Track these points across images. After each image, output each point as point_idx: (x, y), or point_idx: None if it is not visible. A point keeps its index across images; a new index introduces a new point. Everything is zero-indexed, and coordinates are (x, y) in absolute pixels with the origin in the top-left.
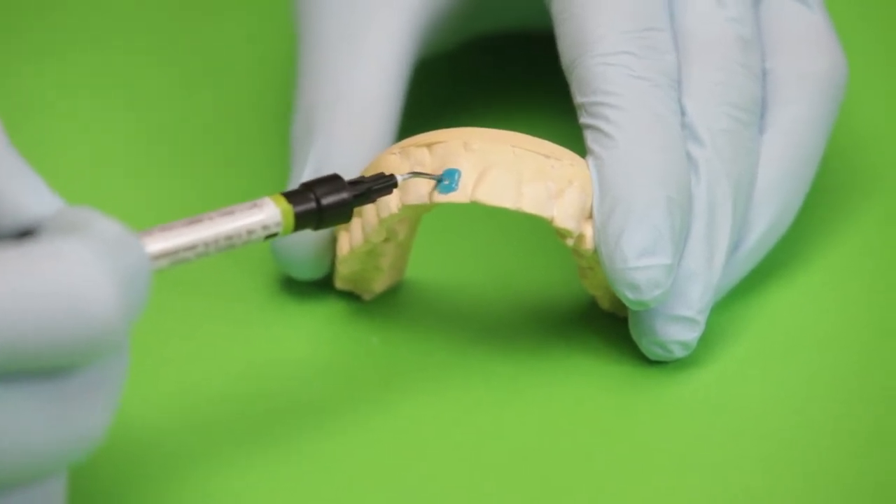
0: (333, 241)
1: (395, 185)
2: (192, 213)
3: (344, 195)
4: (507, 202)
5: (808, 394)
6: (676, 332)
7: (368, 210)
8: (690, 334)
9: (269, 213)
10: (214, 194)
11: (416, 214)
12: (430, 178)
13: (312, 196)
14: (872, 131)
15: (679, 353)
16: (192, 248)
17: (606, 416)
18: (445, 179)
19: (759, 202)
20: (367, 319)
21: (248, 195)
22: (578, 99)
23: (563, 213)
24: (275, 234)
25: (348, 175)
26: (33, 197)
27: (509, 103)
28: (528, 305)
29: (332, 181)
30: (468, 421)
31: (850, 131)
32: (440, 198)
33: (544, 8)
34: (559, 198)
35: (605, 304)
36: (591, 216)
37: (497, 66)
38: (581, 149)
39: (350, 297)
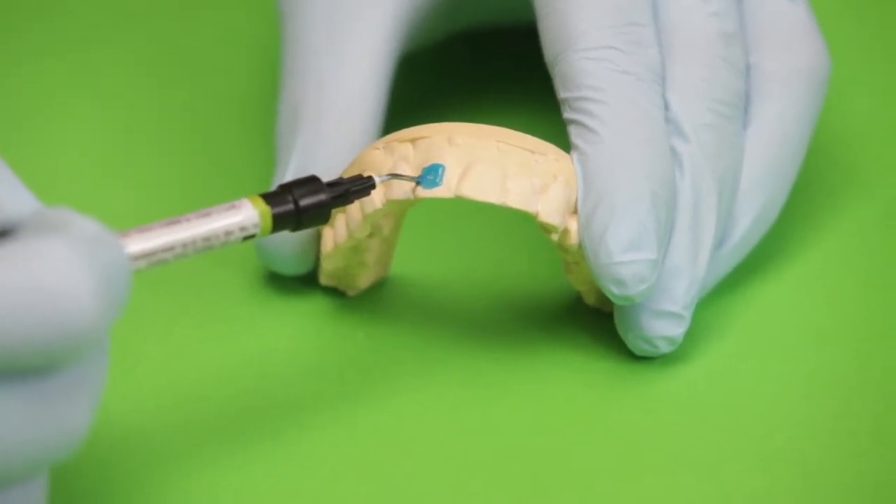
0: (318, 237)
1: (373, 186)
2: (177, 214)
3: (322, 196)
4: (492, 197)
5: (795, 388)
6: (662, 328)
7: (352, 206)
8: (676, 329)
9: (247, 214)
10: (199, 194)
11: (400, 210)
12: (409, 180)
13: (290, 198)
14: (857, 125)
15: (665, 348)
16: (169, 249)
17: (592, 412)
18: (429, 171)
19: (743, 197)
20: (352, 315)
21: (233, 194)
22: (562, 94)
23: (548, 208)
24: (252, 236)
25: (333, 171)
26: (10, 197)
27: (493, 98)
28: (514, 301)
29: (311, 182)
30: (454, 417)
31: (834, 126)
32: (424, 193)
33: (528, 1)
34: (544, 193)
35: (590, 299)
36: (575, 211)
37: (481, 61)
38: (566, 143)
39: (335, 293)
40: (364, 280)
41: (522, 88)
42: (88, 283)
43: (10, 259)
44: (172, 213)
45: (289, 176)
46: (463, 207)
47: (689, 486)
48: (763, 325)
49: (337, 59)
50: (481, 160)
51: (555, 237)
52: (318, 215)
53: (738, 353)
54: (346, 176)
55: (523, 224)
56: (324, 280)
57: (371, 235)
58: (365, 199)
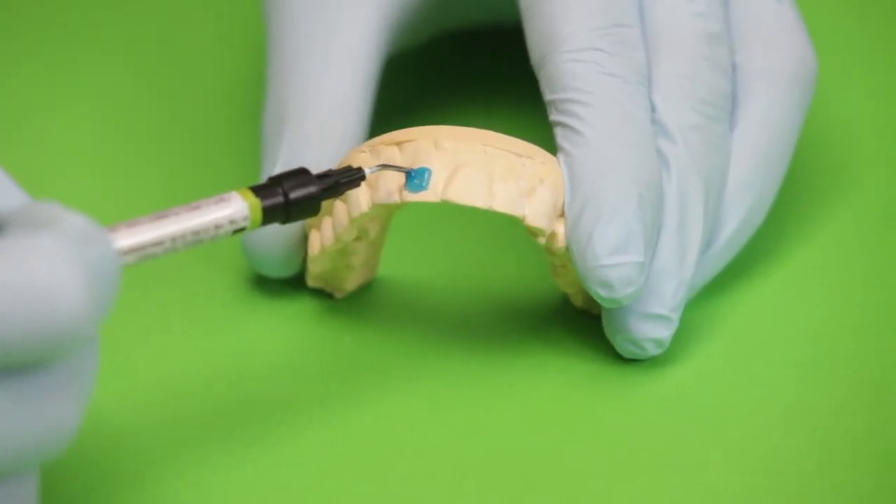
0: (305, 239)
1: (363, 177)
2: (162, 209)
3: (312, 189)
4: (479, 201)
5: (782, 390)
6: (650, 330)
7: (339, 209)
8: (664, 332)
9: (237, 207)
10: (186, 191)
11: (387, 213)
12: (400, 171)
13: (280, 190)
14: (845, 125)
15: (653, 350)
16: (158, 243)
17: (580, 414)
18: (415, 175)
19: (731, 198)
20: (339, 317)
21: (218, 190)
22: (548, 96)
23: (535, 212)
24: (242, 229)
25: None
26: None
27: (480, 100)
28: (501, 303)
29: (300, 175)
30: (441, 419)
31: (821, 125)
32: (411, 197)
33: (513, 2)
34: (530, 196)
35: (578, 301)
36: (562, 214)
37: (467, 62)
38: (553, 146)
39: (322, 295)
40: (351, 282)
41: (509, 90)
42: (76, 279)
43: None
44: (143, 210)
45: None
46: (450, 210)
47: (677, 487)
48: (751, 326)
49: (322, 60)
50: (467, 164)
51: (542, 241)
52: (308, 207)
53: (726, 355)
54: None
55: (510, 226)
56: (311, 282)
57: (358, 238)
58: (351, 203)
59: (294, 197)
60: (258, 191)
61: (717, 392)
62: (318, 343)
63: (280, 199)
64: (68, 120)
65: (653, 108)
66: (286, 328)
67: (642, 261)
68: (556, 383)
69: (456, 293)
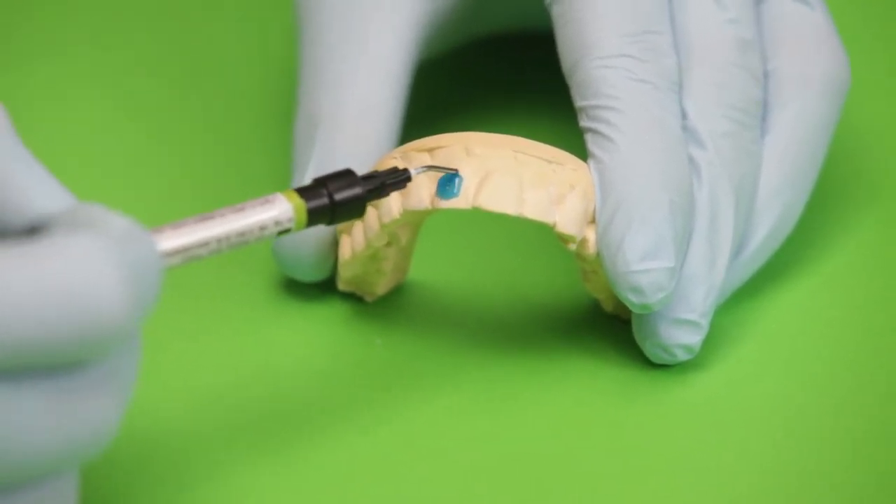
0: (336, 244)
1: (408, 178)
2: (192, 214)
3: (357, 190)
4: (509, 208)
5: (812, 397)
6: (680, 336)
7: (370, 215)
8: (694, 338)
9: (282, 208)
10: (217, 195)
11: (417, 219)
12: (445, 171)
13: (325, 191)
14: (876, 132)
15: (682, 356)
16: (204, 244)
17: (610, 419)
18: (446, 181)
19: (761, 205)
20: (369, 321)
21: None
22: (579, 102)
23: (565, 219)
24: (287, 230)
25: None
26: (42, 192)
27: (510, 106)
28: (531, 308)
29: (345, 176)
30: (471, 423)
31: (853, 132)
32: (442, 203)
33: (545, 10)
34: (561, 203)
35: (608, 306)
36: (593, 220)
37: (498, 68)
38: (583, 152)
39: (353, 298)
40: (382, 287)
41: (539, 96)
42: (117, 278)
43: (37, 255)
44: (170, 215)
45: (306, 183)
46: (480, 214)
47: (704, 493)
48: (781, 332)
49: (354, 66)
50: (498, 170)
51: (572, 247)
52: (353, 209)
53: (756, 361)
54: None
55: (541, 231)
56: (342, 286)
57: (388, 244)
58: (383, 209)
59: (339, 198)
60: (303, 192)
61: (746, 398)
62: (348, 346)
63: (325, 200)
64: (98, 123)
65: (684, 115)
66: (317, 331)
67: (673, 266)
68: (585, 388)
69: (486, 297)
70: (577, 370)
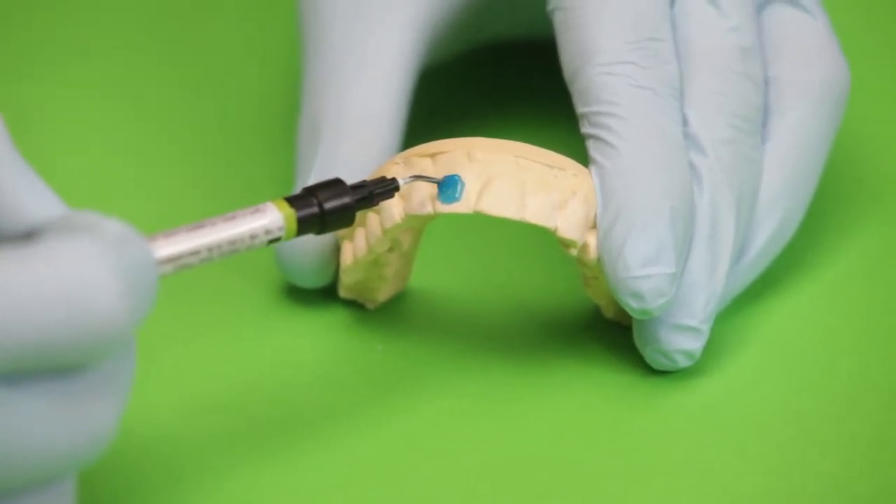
0: (337, 250)
1: (396, 188)
2: (195, 220)
3: (346, 199)
4: (511, 213)
5: (813, 403)
6: (680, 342)
7: (372, 220)
8: (694, 344)
9: (272, 217)
10: (218, 201)
11: (419, 224)
12: (432, 182)
13: (315, 200)
14: (877, 138)
15: (683, 362)
16: (195, 253)
17: (610, 425)
18: (448, 185)
19: (762, 211)
20: (370, 328)
21: (251, 201)
22: (580, 109)
23: (567, 224)
24: (278, 239)
25: None
26: (36, 199)
27: (512, 112)
28: (532, 314)
29: (335, 185)
30: (471, 429)
31: (854, 138)
32: (444, 208)
33: (546, 17)
34: (562, 208)
35: (609, 312)
36: (594, 226)
37: (500, 75)
38: (585, 158)
39: (354, 305)
40: (383, 293)
41: (541, 102)
42: (113, 281)
43: (36, 258)
44: (174, 220)
45: None
46: (482, 220)
47: (707, 499)
48: (782, 339)
49: (357, 72)
50: (500, 175)
51: (573, 252)
52: (343, 218)
53: (756, 367)
54: None
55: (542, 237)
56: (343, 293)
57: (390, 250)
58: (384, 214)
59: (329, 207)
60: (293, 201)
61: (746, 404)
62: (349, 353)
63: (315, 209)
64: (102, 128)
65: (685, 122)
66: (318, 338)
67: (674, 272)
68: (586, 394)
69: (487, 303)
70: (578, 376)
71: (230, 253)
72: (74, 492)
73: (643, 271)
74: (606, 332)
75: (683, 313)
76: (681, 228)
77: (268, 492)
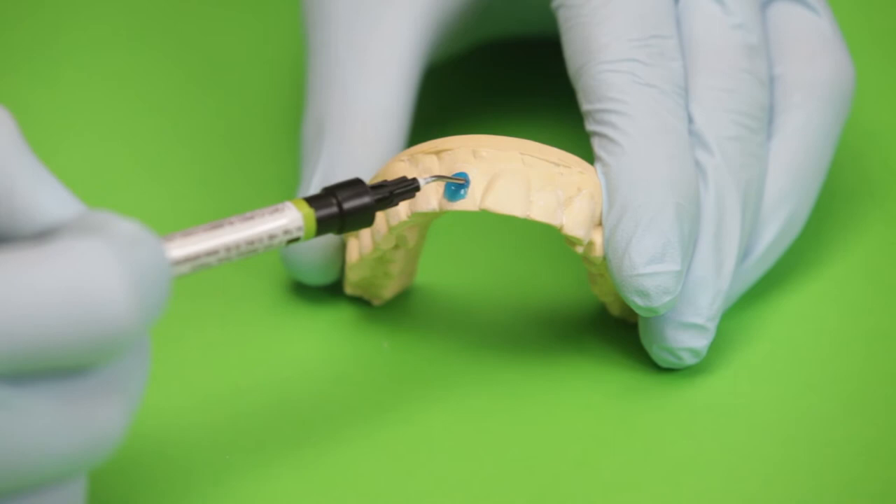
0: (343, 247)
1: (417, 188)
2: (199, 218)
3: (366, 199)
4: (517, 210)
5: (819, 401)
6: (686, 340)
7: (377, 217)
8: (700, 341)
9: (291, 217)
10: (223, 199)
11: (425, 221)
12: (453, 180)
13: (334, 200)
14: (882, 136)
15: (689, 360)
16: (213, 253)
17: (616, 422)
18: (452, 187)
19: (768, 209)
20: (376, 324)
21: (257, 200)
22: (585, 106)
23: (573, 221)
24: (297, 239)
25: None
26: (51, 199)
27: (518, 109)
28: (538, 311)
29: (354, 185)
30: (477, 426)
31: (859, 136)
32: (449, 206)
33: (551, 14)
34: (568, 206)
35: (615, 310)
36: (600, 223)
37: (506, 72)
38: (590, 154)
39: (360, 302)
40: (389, 290)
41: (546, 99)
42: (123, 281)
43: (44, 257)
44: (197, 220)
45: (313, 187)
46: (487, 217)
47: (712, 496)
48: (788, 337)
49: (362, 69)
50: (505, 173)
51: (579, 249)
52: (363, 218)
53: (763, 365)
54: None
55: (548, 234)
56: (349, 290)
57: (396, 247)
58: (391, 211)
59: (348, 207)
60: (312, 201)
61: (753, 402)
62: (355, 350)
63: (334, 209)
64: (108, 127)
65: (690, 120)
66: (324, 335)
67: (679, 270)
68: (592, 392)
69: (493, 301)
70: (584, 373)
71: (248, 253)
72: (85, 492)
73: (649, 269)
74: (612, 329)
75: (689, 311)
76: (686, 226)
77: (274, 489)
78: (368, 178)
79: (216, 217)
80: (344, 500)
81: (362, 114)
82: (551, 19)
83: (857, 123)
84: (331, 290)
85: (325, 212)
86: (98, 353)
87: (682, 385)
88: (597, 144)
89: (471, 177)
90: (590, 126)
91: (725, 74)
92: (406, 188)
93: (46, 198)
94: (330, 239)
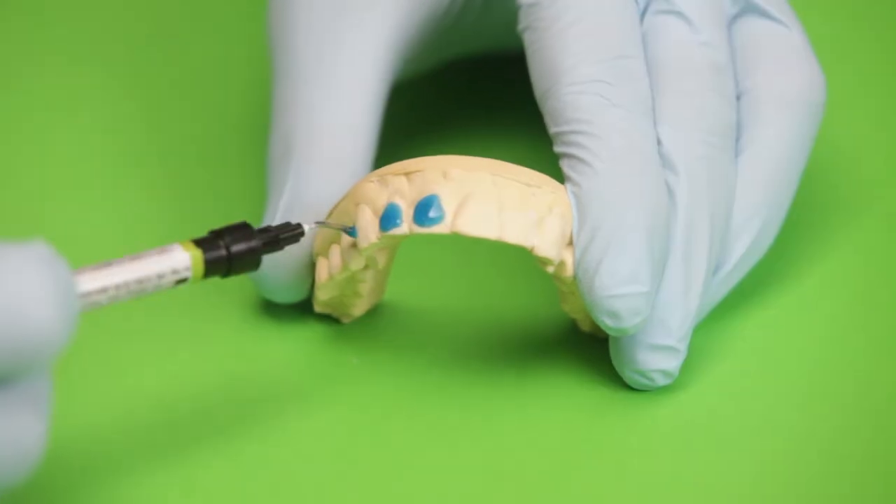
0: (312, 266)
1: (302, 233)
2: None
3: (253, 243)
4: (489, 232)
5: (790, 414)
6: (658, 362)
7: (346, 238)
8: (672, 363)
9: (179, 258)
10: (191, 218)
11: (395, 242)
12: (338, 228)
13: (222, 243)
14: (853, 149)
15: (661, 381)
16: (102, 291)
17: (587, 437)
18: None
19: (738, 224)
20: (346, 341)
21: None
22: (553, 129)
23: (544, 242)
24: (185, 280)
25: (326, 203)
26: None
27: (487, 126)
28: (508, 327)
29: (241, 229)
30: (447, 443)
31: (830, 149)
32: (420, 229)
33: (516, 33)
34: (540, 226)
35: (585, 326)
36: (571, 242)
37: (475, 89)
38: (561, 173)
39: (329, 319)
40: (358, 309)
41: (517, 118)
42: (52, 294)
43: None
44: (167, 238)
45: (281, 207)
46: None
47: None
48: (757, 351)
49: (328, 88)
50: (476, 194)
51: (550, 269)
52: (249, 262)
53: (732, 379)
54: (338, 208)
55: (517, 251)
56: (318, 308)
57: (366, 267)
58: (360, 234)
59: (235, 251)
60: (200, 243)
61: (724, 416)
62: (324, 366)
63: (222, 252)
64: (73, 144)
65: (658, 141)
66: (293, 351)
67: (649, 291)
68: (563, 408)
69: (463, 317)
70: (555, 389)
71: (138, 292)
72: None
73: (619, 290)
74: (583, 346)
75: (660, 333)
76: (656, 246)
77: None
78: (337, 197)
79: (186, 235)
80: None
81: (329, 133)
82: (516, 37)
83: (829, 136)
84: (300, 308)
85: (213, 254)
86: (25, 365)
87: (653, 400)
88: (566, 165)
89: (441, 197)
90: (558, 148)
91: (692, 94)
92: (292, 233)
93: None
94: (299, 258)
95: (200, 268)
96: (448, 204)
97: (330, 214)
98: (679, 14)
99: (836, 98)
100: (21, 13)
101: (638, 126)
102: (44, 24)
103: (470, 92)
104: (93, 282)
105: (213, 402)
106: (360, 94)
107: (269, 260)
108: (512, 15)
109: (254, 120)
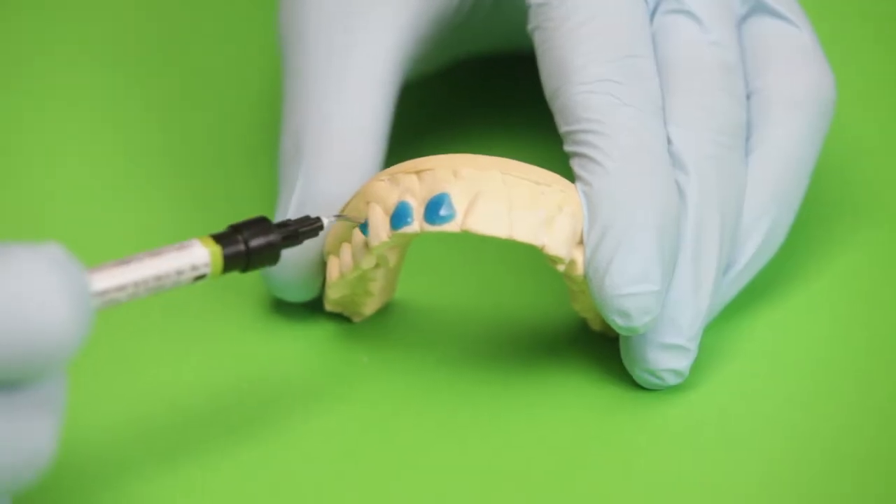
0: (323, 265)
1: (321, 227)
2: (178, 236)
3: (271, 237)
4: (499, 231)
5: (799, 415)
6: (668, 361)
7: (357, 237)
8: (682, 362)
9: (198, 254)
10: (201, 216)
11: (406, 241)
12: (354, 221)
13: (240, 238)
14: (863, 149)
15: (671, 380)
16: (121, 289)
17: (597, 437)
18: (435, 204)
19: (749, 224)
20: (356, 340)
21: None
22: (563, 128)
23: (555, 241)
24: (203, 276)
25: (336, 202)
26: None
27: (497, 124)
28: (519, 326)
29: (259, 223)
30: (457, 441)
31: (840, 149)
32: (431, 228)
33: (526, 33)
34: (550, 225)
35: (596, 325)
36: (581, 241)
37: (484, 87)
38: (571, 172)
39: (340, 317)
40: (369, 307)
41: (527, 116)
42: (66, 297)
43: None
44: (176, 237)
45: (292, 207)
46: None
47: None
48: (767, 350)
49: (339, 88)
50: (486, 193)
51: (561, 268)
52: (268, 256)
53: (743, 379)
54: (348, 207)
55: (528, 249)
56: (329, 307)
57: (377, 266)
58: (371, 233)
59: (254, 245)
60: (219, 239)
61: (734, 416)
62: (335, 365)
63: (241, 247)
64: (82, 143)
65: (668, 140)
66: (304, 350)
67: (660, 290)
68: (573, 406)
69: (473, 316)
70: (565, 388)
71: (157, 289)
72: None
73: (629, 289)
74: (593, 344)
75: (670, 332)
76: (667, 245)
77: None
78: (347, 196)
79: (196, 234)
80: None
81: (340, 133)
82: (526, 37)
83: (839, 135)
84: (311, 307)
85: (231, 249)
86: (38, 368)
87: (663, 400)
88: (577, 164)
89: (452, 196)
90: (569, 147)
91: (702, 93)
92: (311, 227)
93: None
94: (310, 257)
95: (219, 263)
96: (459, 202)
97: (341, 213)
98: (689, 14)
99: (845, 97)
100: (28, 12)
101: (648, 125)
102: (52, 23)
103: (481, 90)
104: (112, 279)
105: (224, 400)
106: (371, 94)
107: (281, 258)
108: (522, 14)
109: (263, 119)
